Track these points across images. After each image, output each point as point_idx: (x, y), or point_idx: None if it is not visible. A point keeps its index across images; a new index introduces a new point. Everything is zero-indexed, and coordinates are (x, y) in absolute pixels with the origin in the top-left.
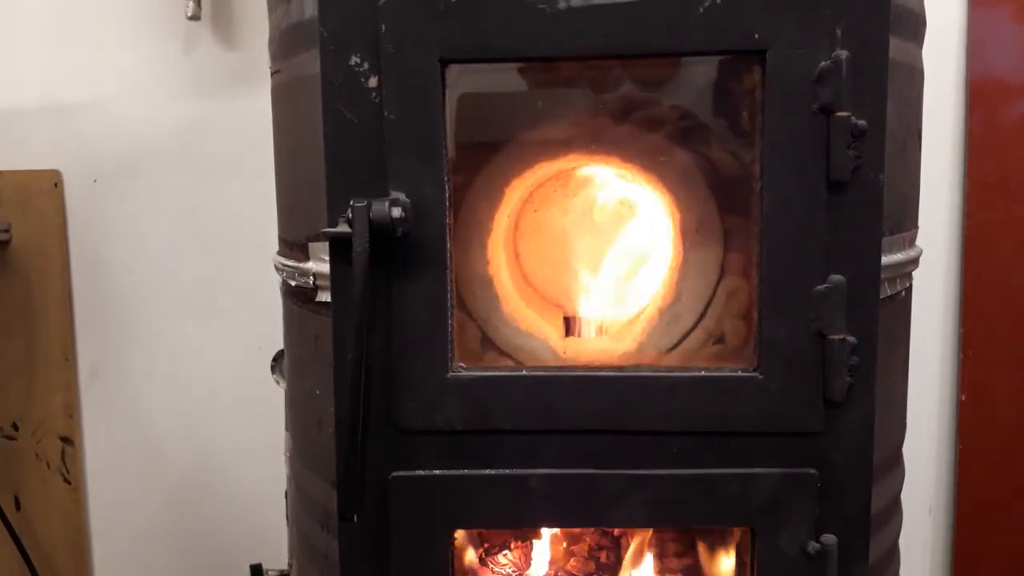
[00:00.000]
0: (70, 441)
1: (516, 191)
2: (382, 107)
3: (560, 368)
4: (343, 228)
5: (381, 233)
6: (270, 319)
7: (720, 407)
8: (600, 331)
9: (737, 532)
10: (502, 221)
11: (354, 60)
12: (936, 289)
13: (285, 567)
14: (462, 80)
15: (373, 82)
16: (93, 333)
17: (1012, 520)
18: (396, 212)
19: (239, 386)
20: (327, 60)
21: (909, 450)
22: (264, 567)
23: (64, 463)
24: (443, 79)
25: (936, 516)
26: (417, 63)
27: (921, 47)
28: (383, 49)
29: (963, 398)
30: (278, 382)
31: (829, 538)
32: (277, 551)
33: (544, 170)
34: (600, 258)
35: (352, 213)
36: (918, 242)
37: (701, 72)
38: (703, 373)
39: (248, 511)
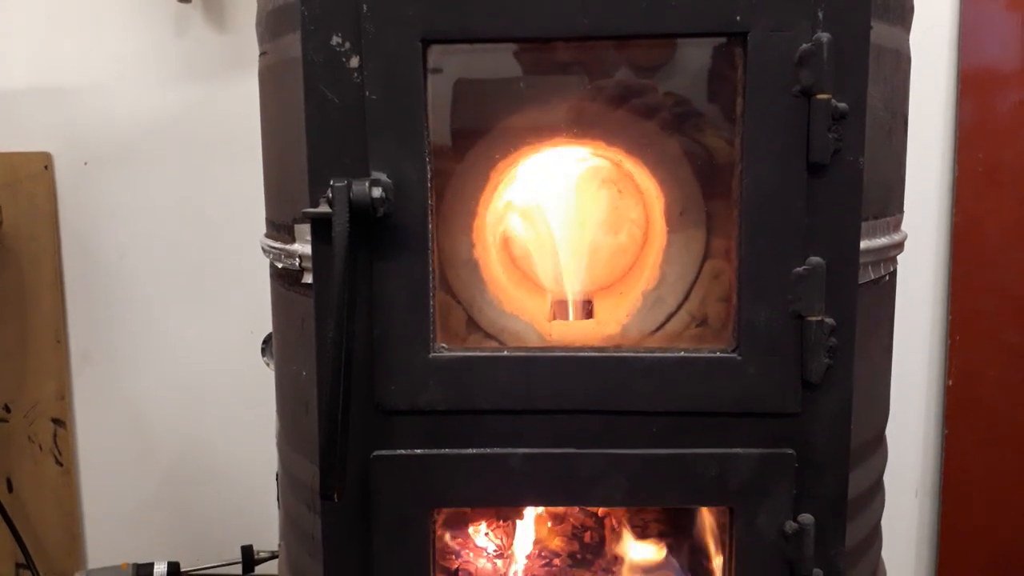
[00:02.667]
0: (62, 423)
1: (503, 174)
2: (364, 87)
3: (541, 349)
4: (323, 208)
5: (361, 213)
6: (262, 303)
7: (699, 388)
8: (586, 313)
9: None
10: (488, 204)
11: (336, 40)
12: (925, 275)
13: (275, 548)
14: (446, 61)
15: (355, 62)
16: (84, 316)
17: (997, 503)
18: (377, 192)
19: (231, 369)
20: (308, 40)
21: (896, 434)
22: (255, 548)
23: (56, 445)
24: (425, 59)
25: (922, 499)
26: (399, 43)
27: (908, 32)
28: (365, 29)
29: (950, 383)
30: (268, 365)
31: (806, 518)
32: (268, 533)
33: (531, 153)
34: (586, 241)
35: (332, 193)
36: (907, 228)
37: (688, 56)
38: (682, 354)
39: (240, 493)
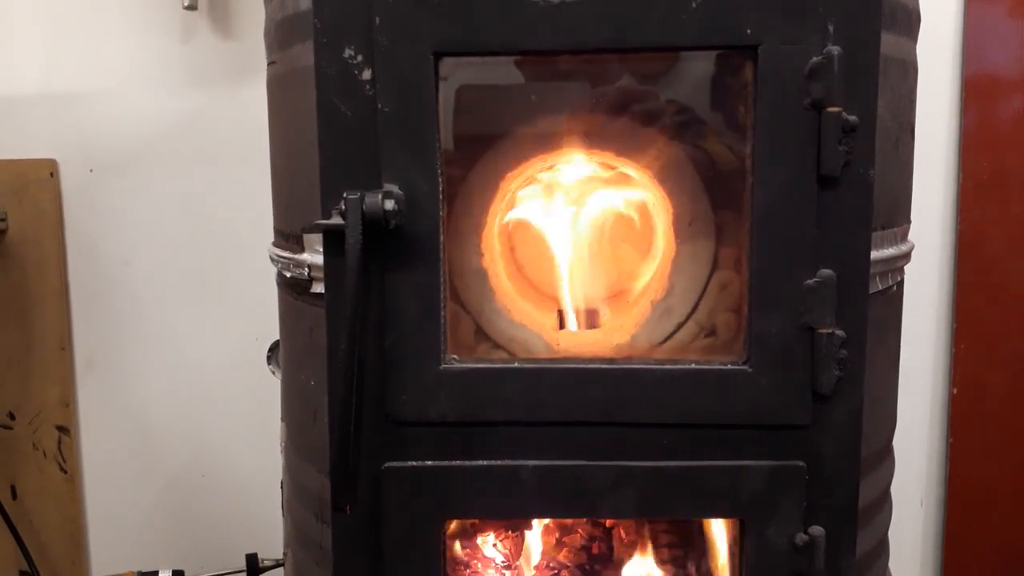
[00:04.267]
0: (66, 431)
1: (511, 184)
2: (376, 100)
3: (552, 360)
4: (336, 220)
5: (374, 225)
6: (267, 310)
7: (710, 400)
8: (594, 324)
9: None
10: (497, 214)
11: (348, 53)
12: (930, 284)
13: (280, 557)
14: (458, 73)
15: (367, 75)
16: (89, 323)
17: (1002, 513)
18: (389, 204)
19: (236, 377)
20: (321, 52)
21: (901, 443)
22: (260, 556)
23: (60, 452)
24: (436, 72)
25: (927, 508)
26: (411, 56)
27: (915, 42)
28: (377, 42)
29: (955, 392)
30: (274, 372)
31: (817, 530)
32: (272, 541)
33: (539, 163)
34: (594, 251)
35: (345, 205)
36: (912, 237)
37: (696, 67)
38: (693, 366)
39: (244, 501)
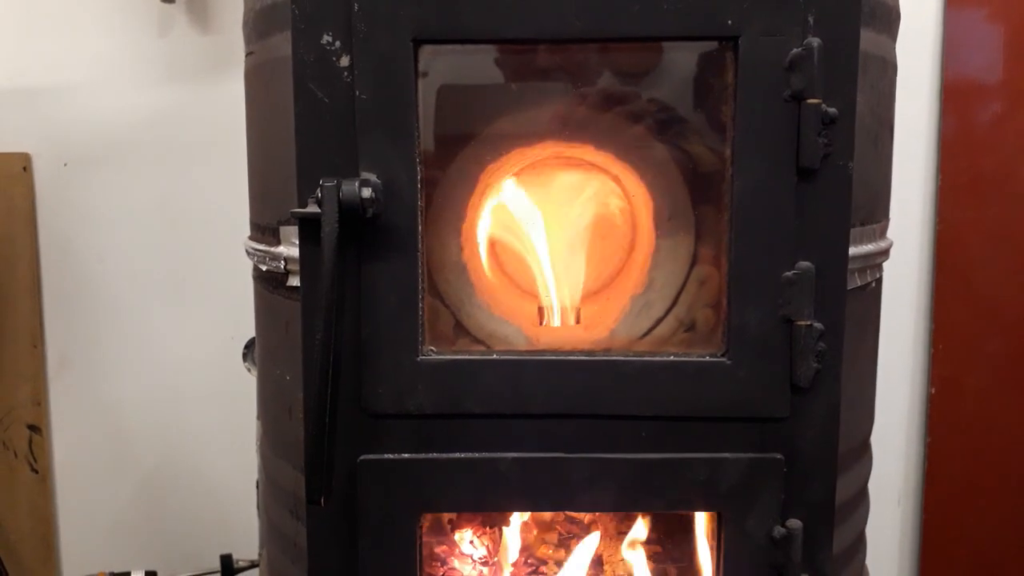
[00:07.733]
0: (38, 430)
1: (491, 178)
2: (354, 87)
3: (530, 352)
4: (312, 208)
5: (351, 213)
6: (242, 308)
7: (689, 392)
8: (573, 319)
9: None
10: (477, 207)
11: (326, 39)
12: (908, 284)
13: (255, 557)
14: (440, 67)
15: (345, 61)
16: (62, 320)
17: (979, 512)
18: (366, 192)
19: (210, 375)
20: (299, 39)
21: (879, 442)
22: (234, 557)
23: (31, 452)
24: (416, 59)
25: (905, 507)
26: (390, 43)
27: (895, 40)
28: (356, 28)
29: (933, 392)
30: (250, 370)
31: (794, 523)
32: (247, 541)
33: (519, 158)
34: (573, 247)
35: (322, 192)
36: (890, 236)
37: (677, 65)
38: (672, 358)
39: (218, 501)
